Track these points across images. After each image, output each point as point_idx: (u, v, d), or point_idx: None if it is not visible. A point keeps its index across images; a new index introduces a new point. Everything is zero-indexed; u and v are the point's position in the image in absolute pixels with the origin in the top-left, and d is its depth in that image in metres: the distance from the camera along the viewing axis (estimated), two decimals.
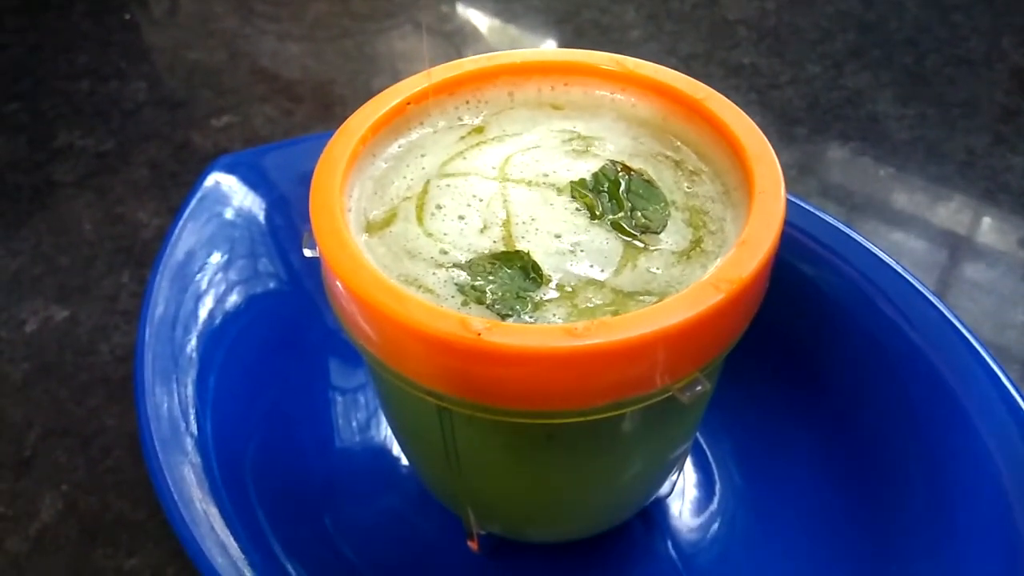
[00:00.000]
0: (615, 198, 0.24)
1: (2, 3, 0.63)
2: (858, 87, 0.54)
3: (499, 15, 0.64)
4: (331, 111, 0.54)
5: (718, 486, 0.32)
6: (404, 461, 0.32)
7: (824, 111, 0.52)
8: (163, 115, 0.53)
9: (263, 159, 0.35)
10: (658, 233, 0.23)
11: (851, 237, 0.30)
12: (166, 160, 0.50)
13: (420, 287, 0.22)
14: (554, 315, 0.21)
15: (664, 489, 0.31)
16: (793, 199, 0.31)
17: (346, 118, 0.25)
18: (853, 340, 0.30)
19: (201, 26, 0.62)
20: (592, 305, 0.21)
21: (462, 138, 0.26)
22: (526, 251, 0.22)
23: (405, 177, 0.25)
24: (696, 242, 0.23)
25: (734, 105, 0.25)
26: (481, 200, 0.24)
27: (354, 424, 0.33)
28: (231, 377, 0.30)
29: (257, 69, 0.57)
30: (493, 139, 0.26)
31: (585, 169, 0.25)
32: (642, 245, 0.23)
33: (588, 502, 0.27)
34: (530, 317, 0.21)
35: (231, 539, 0.24)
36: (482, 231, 0.23)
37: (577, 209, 0.24)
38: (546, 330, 0.19)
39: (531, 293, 0.21)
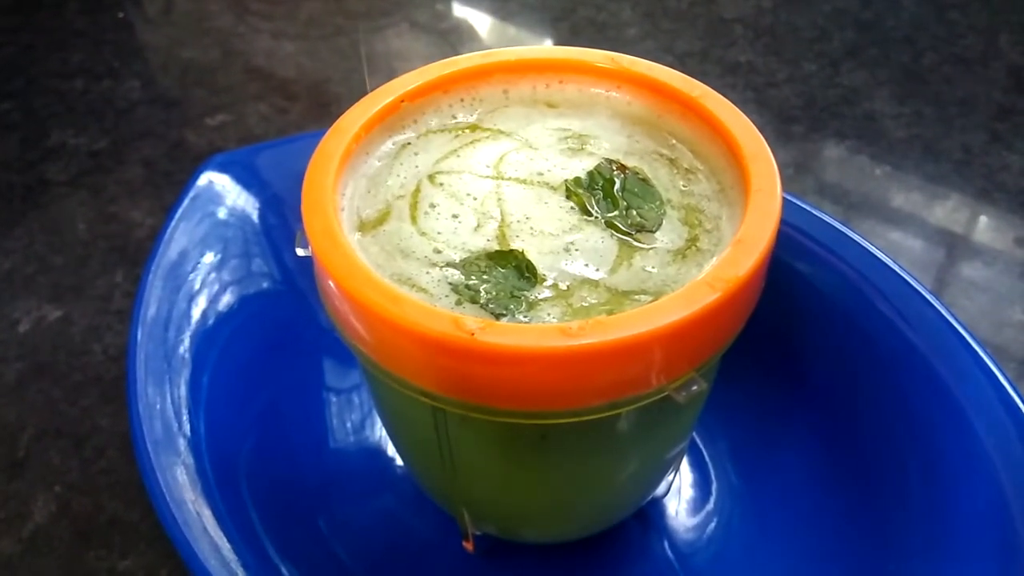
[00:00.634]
0: (610, 197, 0.23)
1: None
2: (855, 85, 0.54)
3: (495, 13, 0.64)
4: (326, 110, 0.54)
5: (714, 486, 0.32)
6: (398, 461, 0.32)
7: (821, 109, 0.52)
8: (157, 114, 0.53)
9: (256, 158, 0.34)
10: (653, 232, 0.23)
11: (847, 236, 0.30)
12: (160, 159, 0.50)
13: (413, 286, 0.21)
14: (548, 314, 0.21)
15: (660, 489, 0.30)
16: (789, 197, 0.30)
17: (335, 121, 0.24)
18: (850, 339, 0.30)
19: (195, 25, 0.62)
20: (587, 304, 0.21)
21: (456, 136, 0.26)
22: (520, 250, 0.22)
23: (399, 175, 0.25)
24: (692, 241, 0.23)
25: (729, 103, 0.25)
26: (475, 199, 0.24)
27: (348, 424, 0.33)
28: (224, 377, 0.29)
29: (251, 68, 0.57)
30: (487, 137, 0.26)
31: (580, 167, 0.24)
32: (637, 244, 0.23)
33: (583, 502, 0.27)
34: (524, 317, 0.21)
35: (224, 540, 0.24)
36: (476, 230, 0.23)
37: (572, 208, 0.23)
38: (540, 330, 0.19)
39: (525, 292, 0.21)
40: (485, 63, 0.27)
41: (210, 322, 0.30)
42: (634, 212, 0.23)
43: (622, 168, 0.24)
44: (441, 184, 0.24)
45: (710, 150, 0.25)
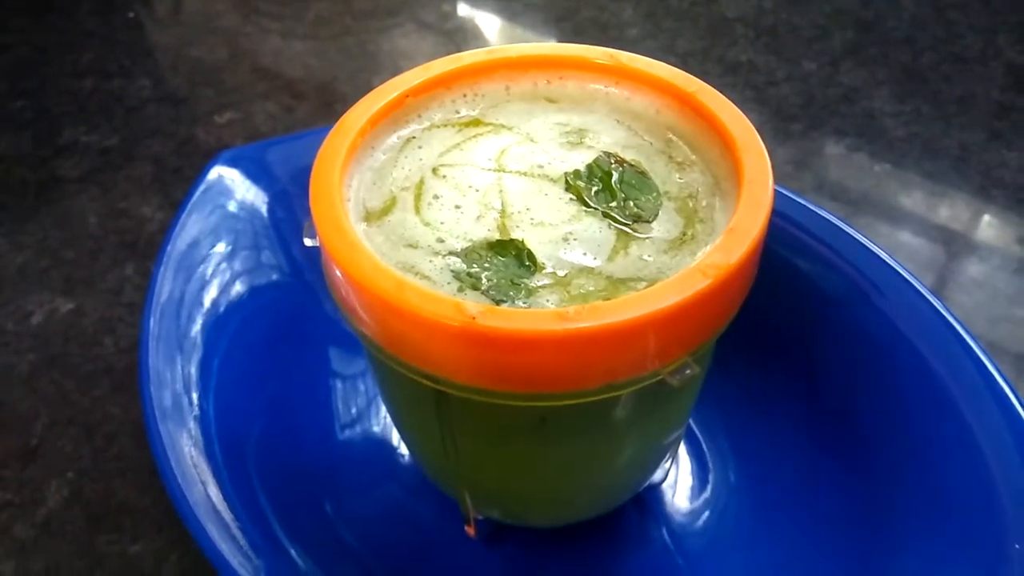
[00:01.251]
0: (608, 188, 0.24)
1: (8, 3, 0.64)
2: (854, 84, 0.54)
3: (499, 13, 0.65)
4: (332, 108, 0.54)
5: (711, 474, 0.32)
6: (403, 448, 0.33)
7: (820, 108, 0.53)
8: (166, 112, 0.54)
9: (266, 153, 0.35)
10: (650, 222, 0.24)
11: (845, 231, 0.30)
12: (169, 156, 0.51)
13: (417, 274, 0.22)
14: (547, 301, 0.21)
15: (658, 475, 0.31)
16: (788, 193, 0.31)
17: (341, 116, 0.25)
18: (846, 333, 0.30)
19: (204, 24, 0.63)
20: (585, 291, 0.22)
21: (459, 130, 0.27)
22: (521, 239, 0.23)
23: (403, 168, 0.25)
24: (687, 231, 0.23)
25: (724, 98, 0.25)
26: (477, 190, 0.24)
27: (354, 412, 0.34)
28: (234, 363, 0.30)
29: (259, 67, 0.58)
30: (489, 131, 0.27)
31: (579, 160, 0.25)
32: (634, 234, 0.23)
33: (582, 486, 0.28)
34: (524, 303, 0.21)
35: (233, 521, 0.25)
36: (478, 220, 0.24)
37: (571, 199, 0.24)
38: (539, 314, 0.20)
39: (525, 280, 0.22)
40: (488, 59, 0.28)
41: (221, 309, 0.31)
42: (631, 203, 0.24)
43: (620, 161, 0.25)
44: (444, 176, 0.25)
45: (706, 143, 0.25)
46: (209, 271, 0.31)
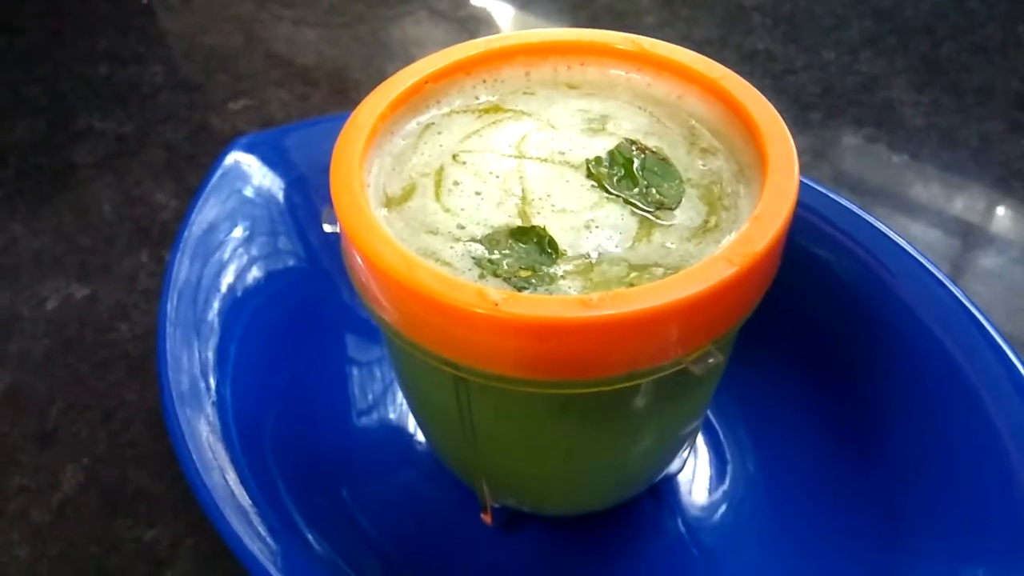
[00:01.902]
0: (630, 175, 0.24)
1: None
2: (873, 73, 0.54)
3: (513, 1, 0.64)
4: (346, 96, 0.54)
5: (729, 467, 0.32)
6: (419, 436, 0.33)
7: (838, 97, 0.52)
8: (180, 99, 0.54)
9: (282, 139, 0.35)
10: (673, 209, 0.23)
11: (865, 220, 0.30)
12: (183, 143, 0.51)
13: (438, 260, 0.22)
14: (570, 288, 0.21)
15: (675, 466, 0.31)
16: (807, 181, 0.31)
17: (360, 102, 0.25)
18: (867, 323, 0.30)
19: (217, 12, 0.63)
20: (607, 278, 0.22)
21: (479, 116, 0.27)
22: (542, 226, 0.22)
23: (423, 154, 0.25)
24: (710, 218, 0.23)
25: (749, 84, 0.25)
26: (498, 177, 0.24)
27: (370, 398, 0.34)
28: (251, 348, 0.30)
29: (273, 54, 0.58)
30: (509, 118, 0.26)
31: (601, 147, 0.25)
32: (657, 221, 0.23)
33: (600, 474, 0.28)
34: (546, 290, 0.21)
35: (251, 505, 0.25)
36: (499, 206, 0.23)
37: (593, 186, 0.24)
38: (561, 301, 0.20)
39: (547, 267, 0.22)
40: (508, 45, 0.27)
41: (237, 294, 0.31)
42: (654, 190, 0.24)
43: (642, 148, 0.25)
44: (464, 163, 0.25)
45: (729, 130, 0.25)
46: (226, 256, 0.31)
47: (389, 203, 0.24)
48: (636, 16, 0.61)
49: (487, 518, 0.30)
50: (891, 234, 0.30)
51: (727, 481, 0.32)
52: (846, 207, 0.31)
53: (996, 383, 0.26)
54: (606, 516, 0.31)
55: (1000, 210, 0.46)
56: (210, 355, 0.28)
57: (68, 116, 0.53)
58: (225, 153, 0.33)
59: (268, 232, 0.33)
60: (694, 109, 0.26)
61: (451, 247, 0.22)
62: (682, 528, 0.31)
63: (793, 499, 0.31)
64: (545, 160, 0.25)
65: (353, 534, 0.29)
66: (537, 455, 0.26)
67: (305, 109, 0.53)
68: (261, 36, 0.60)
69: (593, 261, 0.22)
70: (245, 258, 0.32)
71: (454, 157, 0.25)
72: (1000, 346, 0.26)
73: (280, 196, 0.34)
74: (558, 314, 0.19)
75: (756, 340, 0.27)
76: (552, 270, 0.22)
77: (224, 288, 0.30)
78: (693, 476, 0.32)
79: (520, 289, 0.21)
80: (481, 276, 0.22)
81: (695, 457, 0.33)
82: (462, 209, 0.23)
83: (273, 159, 0.34)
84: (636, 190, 0.24)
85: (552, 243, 0.22)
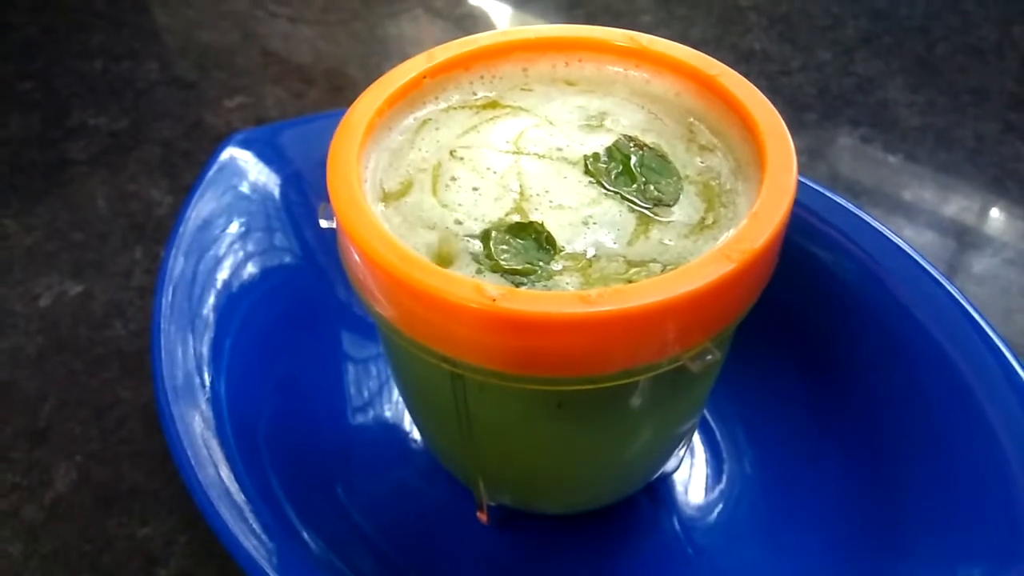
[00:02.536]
0: (628, 172, 0.24)
1: None
2: (868, 74, 0.54)
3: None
4: (342, 93, 0.54)
5: (725, 464, 0.32)
6: (415, 434, 0.33)
7: (834, 97, 0.52)
8: (175, 95, 0.54)
9: (278, 135, 0.35)
10: (671, 206, 0.23)
11: (861, 218, 0.30)
12: (178, 139, 0.50)
13: (435, 255, 0.22)
14: (567, 284, 0.21)
15: (671, 464, 0.31)
16: (805, 180, 0.31)
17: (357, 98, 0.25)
18: (863, 322, 0.30)
19: (213, 8, 0.62)
20: (605, 275, 0.21)
21: (476, 112, 0.26)
22: (540, 222, 0.22)
23: (420, 149, 0.25)
24: (708, 215, 0.23)
25: (747, 82, 0.25)
26: (495, 172, 0.24)
27: (365, 395, 0.33)
28: (245, 346, 0.30)
29: (268, 51, 0.58)
30: (507, 114, 0.26)
31: (598, 144, 0.25)
32: (655, 217, 0.23)
33: (596, 472, 0.28)
34: (543, 286, 0.21)
35: (246, 503, 0.25)
36: (496, 202, 0.23)
37: (591, 182, 0.24)
38: (560, 297, 0.20)
39: (544, 262, 0.22)
40: (505, 41, 0.27)
41: (233, 289, 0.30)
42: (652, 187, 0.24)
43: (640, 145, 0.25)
44: (462, 158, 0.25)
45: (727, 127, 0.25)
46: (221, 251, 0.31)
47: (386, 198, 0.24)
48: (632, 15, 0.61)
49: (483, 516, 0.30)
50: (888, 233, 0.30)
51: (723, 480, 0.32)
52: (843, 206, 0.31)
53: (992, 381, 0.26)
54: (602, 515, 0.31)
55: (995, 211, 0.46)
56: (205, 351, 0.28)
57: (62, 112, 0.52)
58: (221, 149, 0.33)
59: (264, 228, 0.33)
60: (692, 106, 0.26)
61: (448, 243, 0.22)
62: (678, 527, 0.31)
63: (789, 498, 0.31)
64: (543, 156, 0.25)
65: (348, 531, 0.29)
66: (533, 453, 0.26)
67: (301, 106, 0.53)
68: (257, 33, 0.60)
69: (591, 257, 0.22)
70: (241, 254, 0.32)
71: (451, 153, 0.25)
72: (996, 344, 0.26)
73: (276, 192, 0.34)
74: (556, 310, 0.19)
75: (753, 339, 0.27)
76: (550, 266, 0.22)
77: (219, 284, 0.30)
78: (689, 475, 0.32)
79: (518, 285, 0.21)
80: (479, 272, 0.22)
81: (691, 456, 0.33)
82: (459, 204, 0.23)
83: (269, 155, 0.34)
84: (634, 187, 0.24)
85: (550, 239, 0.22)
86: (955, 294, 0.28)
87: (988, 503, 0.25)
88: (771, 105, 0.24)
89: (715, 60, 0.26)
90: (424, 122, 0.26)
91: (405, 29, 0.61)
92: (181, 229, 0.30)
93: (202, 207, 0.31)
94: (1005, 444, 0.25)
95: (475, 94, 0.27)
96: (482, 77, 0.27)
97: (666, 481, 0.32)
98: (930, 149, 0.49)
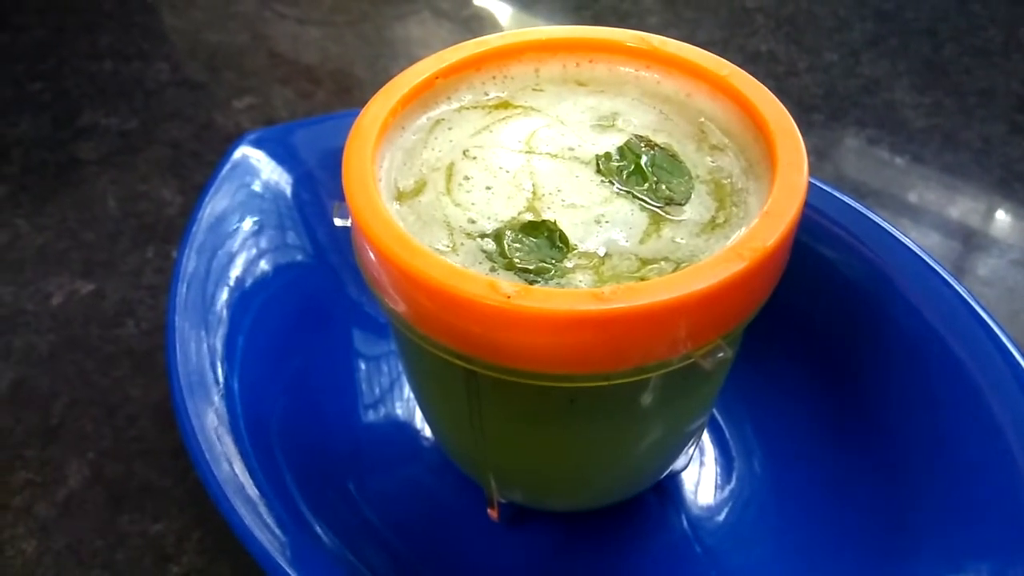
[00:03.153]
0: (639, 171, 0.24)
1: None
2: (875, 75, 0.54)
3: (516, 1, 0.64)
4: (349, 94, 0.54)
5: (735, 462, 0.32)
6: (426, 431, 0.33)
7: (841, 98, 0.52)
8: (185, 96, 0.54)
9: (290, 135, 0.35)
10: (682, 205, 0.23)
11: (870, 219, 0.30)
12: (188, 140, 0.51)
13: (449, 253, 0.22)
14: (580, 281, 0.21)
15: (680, 463, 0.31)
16: (814, 181, 0.31)
17: (364, 101, 0.25)
18: (872, 322, 0.30)
19: (221, 9, 0.63)
20: (617, 273, 0.22)
21: (489, 112, 0.27)
22: (552, 220, 0.23)
23: (433, 149, 0.25)
24: (719, 214, 0.23)
25: (757, 82, 0.25)
26: (508, 172, 0.24)
27: (377, 392, 0.34)
28: (258, 343, 0.30)
29: (277, 52, 0.58)
30: (519, 113, 0.27)
31: (610, 143, 0.25)
32: (667, 216, 0.23)
33: (607, 469, 0.28)
34: (556, 283, 0.21)
35: (260, 498, 0.25)
36: (509, 201, 0.23)
37: (602, 181, 0.24)
38: (573, 294, 0.20)
39: (557, 261, 0.22)
40: (517, 42, 0.27)
41: (246, 286, 0.31)
42: (663, 186, 0.24)
43: (651, 144, 0.25)
44: (475, 158, 0.25)
45: (738, 127, 0.25)
46: (234, 249, 0.31)
47: (401, 197, 0.24)
48: (639, 17, 0.61)
49: (494, 513, 0.30)
50: (896, 233, 0.30)
51: (732, 479, 0.32)
52: (852, 206, 0.31)
53: (1000, 381, 0.26)
54: (612, 512, 0.31)
55: (1001, 212, 0.46)
56: (219, 347, 0.29)
57: (72, 112, 0.53)
58: (234, 148, 0.34)
59: (276, 226, 0.33)
60: (703, 106, 0.26)
61: (462, 241, 0.23)
62: (686, 525, 0.31)
63: (797, 497, 0.31)
64: (555, 156, 0.25)
65: (360, 527, 0.29)
66: (545, 449, 0.26)
67: (309, 107, 0.53)
68: (265, 34, 0.60)
69: (603, 255, 0.22)
70: (253, 251, 0.32)
71: (464, 152, 0.25)
72: (1005, 345, 0.27)
73: (288, 191, 0.34)
74: (570, 307, 0.20)
75: (763, 338, 0.27)
76: (563, 264, 0.22)
77: (232, 281, 0.31)
78: (699, 473, 0.32)
79: (531, 283, 0.21)
80: (492, 270, 0.22)
81: (701, 454, 0.33)
82: (473, 203, 0.24)
83: (281, 154, 0.34)
84: (646, 186, 0.24)
85: (563, 237, 0.22)
86: (964, 294, 0.28)
87: (996, 503, 0.25)
88: (781, 105, 0.24)
89: (725, 60, 0.26)
90: (437, 122, 0.26)
91: (412, 30, 0.62)
92: (194, 227, 0.30)
93: (215, 205, 0.31)
94: (1013, 443, 0.26)
95: (487, 94, 0.27)
96: (494, 77, 0.28)
97: (675, 479, 0.32)
98: (936, 150, 0.49)
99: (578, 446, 0.26)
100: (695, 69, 0.26)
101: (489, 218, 0.23)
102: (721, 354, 0.22)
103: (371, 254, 0.22)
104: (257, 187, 0.33)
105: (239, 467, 0.25)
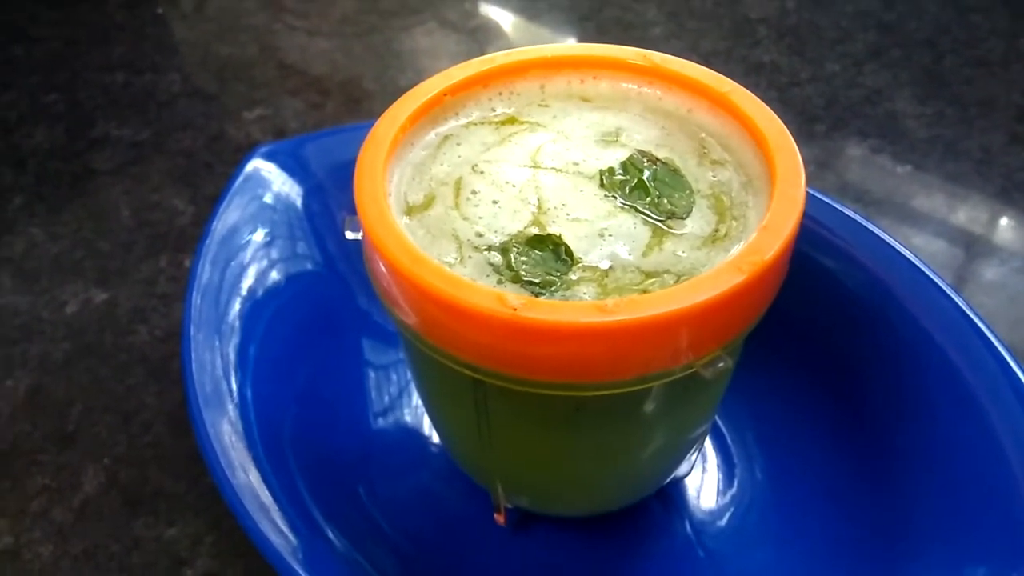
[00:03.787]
0: (642, 185, 0.25)
1: None
2: (877, 86, 0.55)
3: (522, 12, 0.65)
4: (358, 105, 0.55)
5: (737, 469, 0.33)
6: (434, 438, 0.34)
7: (843, 109, 0.53)
8: (196, 107, 0.55)
9: (301, 148, 0.36)
10: (683, 219, 0.24)
11: (869, 230, 0.31)
12: (200, 150, 0.52)
13: (457, 266, 0.23)
14: (584, 294, 0.22)
15: (683, 469, 0.32)
16: (814, 193, 0.32)
17: (373, 112, 0.26)
18: (871, 332, 0.31)
19: (232, 22, 0.64)
20: (620, 285, 0.22)
21: (496, 128, 0.27)
22: (558, 234, 0.23)
23: (442, 164, 0.26)
24: (720, 227, 0.24)
25: (756, 98, 0.26)
26: (514, 186, 0.25)
27: (386, 400, 0.34)
28: (270, 352, 0.31)
29: (287, 64, 0.59)
30: (525, 129, 0.27)
31: (613, 158, 0.26)
32: (668, 230, 0.24)
33: (611, 475, 0.28)
34: (562, 296, 0.22)
35: (273, 503, 0.26)
36: (515, 215, 0.24)
37: (606, 196, 0.25)
38: (578, 306, 0.21)
39: (562, 273, 0.23)
40: (523, 59, 0.28)
41: (258, 296, 0.31)
42: (665, 200, 0.24)
43: (653, 159, 0.26)
44: (482, 172, 0.26)
45: (738, 143, 0.26)
46: (246, 259, 0.32)
47: (410, 211, 0.25)
48: (643, 28, 0.62)
49: (500, 518, 0.30)
50: (895, 244, 0.30)
51: (734, 485, 0.33)
52: (852, 218, 0.31)
53: (998, 393, 0.27)
54: (615, 517, 0.31)
55: (1003, 221, 0.47)
56: (232, 357, 0.29)
57: (86, 123, 0.54)
58: (246, 161, 0.34)
59: (287, 237, 0.34)
60: (704, 122, 0.27)
61: (470, 254, 0.23)
62: (689, 530, 0.32)
63: (798, 503, 0.31)
64: (560, 171, 0.26)
65: (370, 531, 0.30)
66: (551, 456, 0.27)
67: (319, 118, 0.54)
68: (275, 46, 0.61)
69: (607, 268, 0.23)
70: (265, 262, 0.33)
71: (472, 167, 0.26)
72: (1003, 356, 0.27)
73: (299, 203, 0.35)
74: (575, 319, 0.20)
75: (764, 347, 0.28)
76: (568, 277, 0.23)
77: (245, 291, 0.31)
78: (701, 479, 0.33)
79: (537, 295, 0.22)
80: (499, 282, 0.23)
81: (703, 461, 0.33)
82: (480, 217, 0.24)
83: (292, 167, 0.35)
84: (648, 200, 0.24)
85: (568, 251, 0.23)
86: (961, 304, 0.28)
87: (993, 509, 0.26)
88: (780, 122, 0.25)
89: (726, 78, 0.27)
90: (445, 137, 0.27)
91: (420, 41, 0.62)
92: (208, 239, 0.31)
93: (228, 217, 0.32)
94: (1009, 451, 0.26)
95: (494, 110, 0.28)
96: (500, 94, 0.28)
97: (678, 485, 0.33)
98: (938, 160, 0.50)
99: (583, 453, 0.27)
100: (696, 86, 0.27)
101: (496, 232, 0.24)
102: (722, 364, 0.22)
103: (382, 267, 0.23)
104: (268, 199, 0.34)
105: (253, 473, 0.26)
